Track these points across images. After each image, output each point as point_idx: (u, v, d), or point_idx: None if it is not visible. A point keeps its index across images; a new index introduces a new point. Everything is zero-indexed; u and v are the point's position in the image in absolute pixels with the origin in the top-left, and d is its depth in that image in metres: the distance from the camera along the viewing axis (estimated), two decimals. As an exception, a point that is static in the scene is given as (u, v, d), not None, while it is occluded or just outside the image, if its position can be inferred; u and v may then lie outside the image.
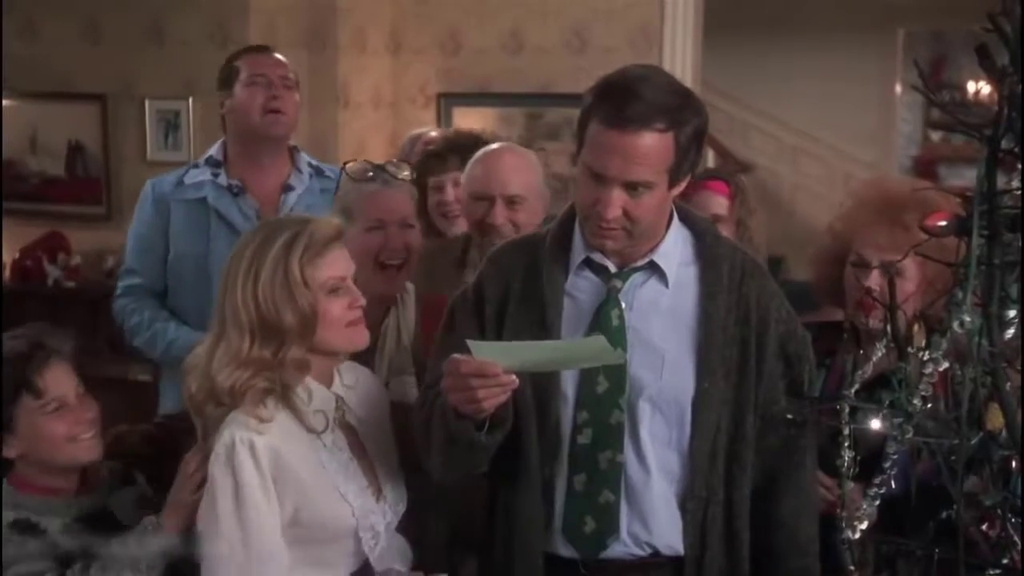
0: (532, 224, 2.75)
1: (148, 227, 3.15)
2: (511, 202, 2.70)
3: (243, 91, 3.09)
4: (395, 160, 2.74)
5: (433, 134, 3.29)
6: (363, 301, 2.02)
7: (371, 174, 2.55)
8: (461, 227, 2.95)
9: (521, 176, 2.75)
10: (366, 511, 2.00)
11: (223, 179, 3.13)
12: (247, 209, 3.08)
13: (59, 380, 2.05)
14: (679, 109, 1.89)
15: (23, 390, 2.01)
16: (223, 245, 2.89)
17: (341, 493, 1.96)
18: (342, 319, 1.98)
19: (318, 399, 2.00)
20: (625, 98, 1.86)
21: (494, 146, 2.88)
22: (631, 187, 1.88)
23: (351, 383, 2.10)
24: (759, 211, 3.10)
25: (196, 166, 3.18)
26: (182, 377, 2.00)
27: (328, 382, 2.04)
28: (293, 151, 3.22)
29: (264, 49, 3.27)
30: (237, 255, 1.96)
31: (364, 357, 2.45)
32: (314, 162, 3.25)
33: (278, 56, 3.22)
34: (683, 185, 1.98)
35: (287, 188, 3.14)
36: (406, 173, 2.60)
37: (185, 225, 3.08)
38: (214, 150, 3.20)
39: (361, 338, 2.03)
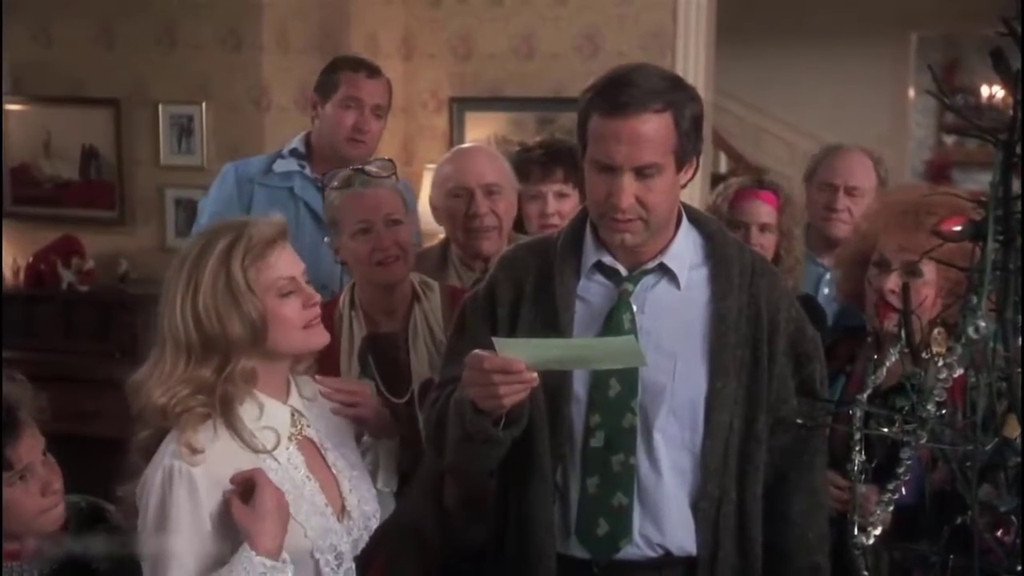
0: (510, 215, 2.79)
1: (228, 205, 3.18)
2: (489, 191, 2.75)
3: (335, 110, 3.18)
4: (383, 159, 2.75)
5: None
6: (318, 299, 1.94)
7: (350, 178, 2.55)
8: None
9: (494, 166, 2.81)
10: (324, 531, 1.89)
11: (309, 171, 3.19)
12: None
13: (29, 447, 1.90)
14: (672, 90, 1.93)
15: None
16: (308, 234, 2.98)
17: (291, 514, 1.83)
18: (297, 321, 1.88)
19: (269, 414, 1.90)
20: (619, 87, 1.90)
21: (462, 145, 2.93)
22: (640, 173, 1.90)
23: (310, 396, 2.03)
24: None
25: (282, 156, 3.24)
26: (133, 395, 1.87)
27: (282, 395, 1.95)
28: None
29: (374, 74, 3.26)
30: (175, 269, 1.85)
31: (394, 354, 2.44)
32: None
33: (379, 82, 3.25)
34: (691, 172, 2.00)
35: None
36: (393, 173, 2.60)
37: (267, 210, 3.04)
38: (298, 143, 3.27)
39: (319, 339, 1.94)
